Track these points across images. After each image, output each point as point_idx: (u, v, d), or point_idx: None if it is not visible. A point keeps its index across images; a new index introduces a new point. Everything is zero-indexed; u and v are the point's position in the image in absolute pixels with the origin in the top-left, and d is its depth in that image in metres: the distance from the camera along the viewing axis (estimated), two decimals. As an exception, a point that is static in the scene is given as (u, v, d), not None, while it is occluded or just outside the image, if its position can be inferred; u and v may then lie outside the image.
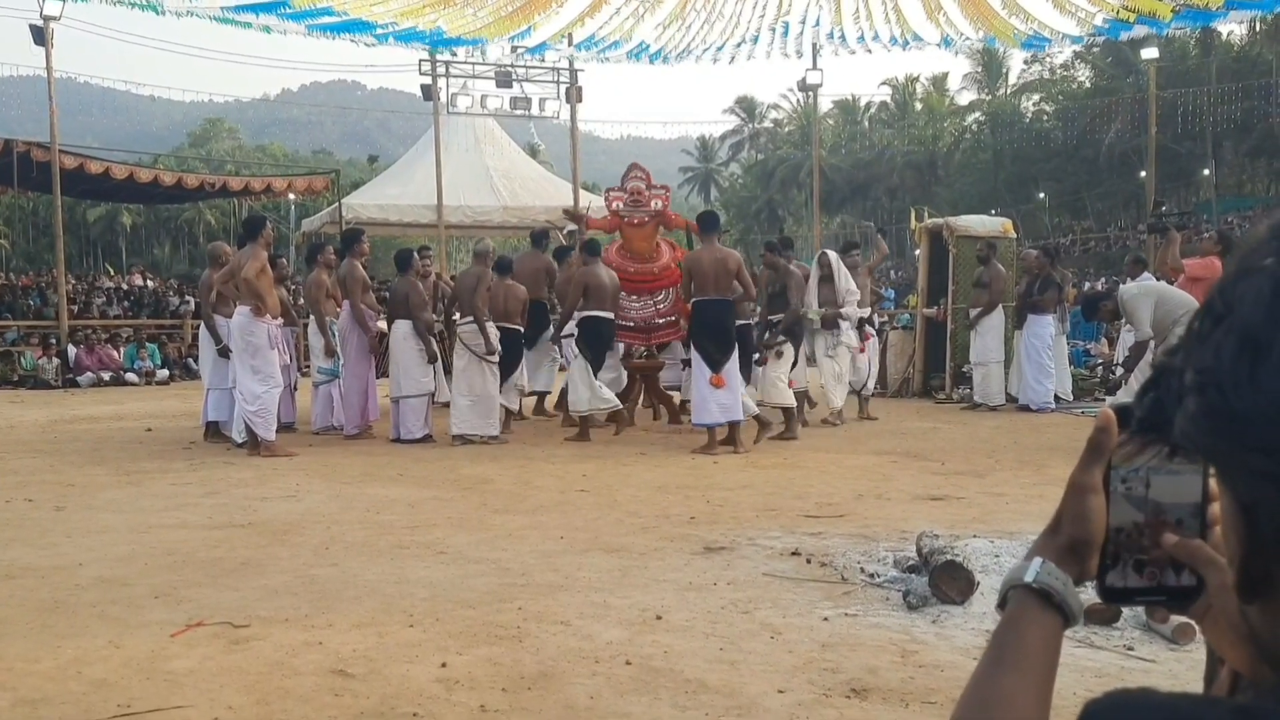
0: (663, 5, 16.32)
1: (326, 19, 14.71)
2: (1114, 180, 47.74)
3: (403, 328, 9.07)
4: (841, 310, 9.65)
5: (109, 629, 3.64)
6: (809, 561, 4.55)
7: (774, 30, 17.91)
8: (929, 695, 2.98)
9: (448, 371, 11.99)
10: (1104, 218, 50.60)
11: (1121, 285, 9.53)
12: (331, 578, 4.35)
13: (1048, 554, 0.79)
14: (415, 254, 9.84)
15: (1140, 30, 17.12)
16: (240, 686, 3.07)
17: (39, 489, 6.70)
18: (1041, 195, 52.08)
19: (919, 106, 63.06)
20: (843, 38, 18.19)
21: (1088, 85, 49.73)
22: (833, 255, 9.98)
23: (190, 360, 18.37)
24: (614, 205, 10.26)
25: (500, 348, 9.00)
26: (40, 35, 17.11)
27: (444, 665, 3.23)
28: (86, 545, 5.01)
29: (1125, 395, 7.38)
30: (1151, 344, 7.42)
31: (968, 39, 18.25)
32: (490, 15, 15.83)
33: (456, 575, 4.37)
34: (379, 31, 15.53)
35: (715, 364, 8.12)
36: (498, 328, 9.04)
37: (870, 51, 18.12)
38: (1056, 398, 11.30)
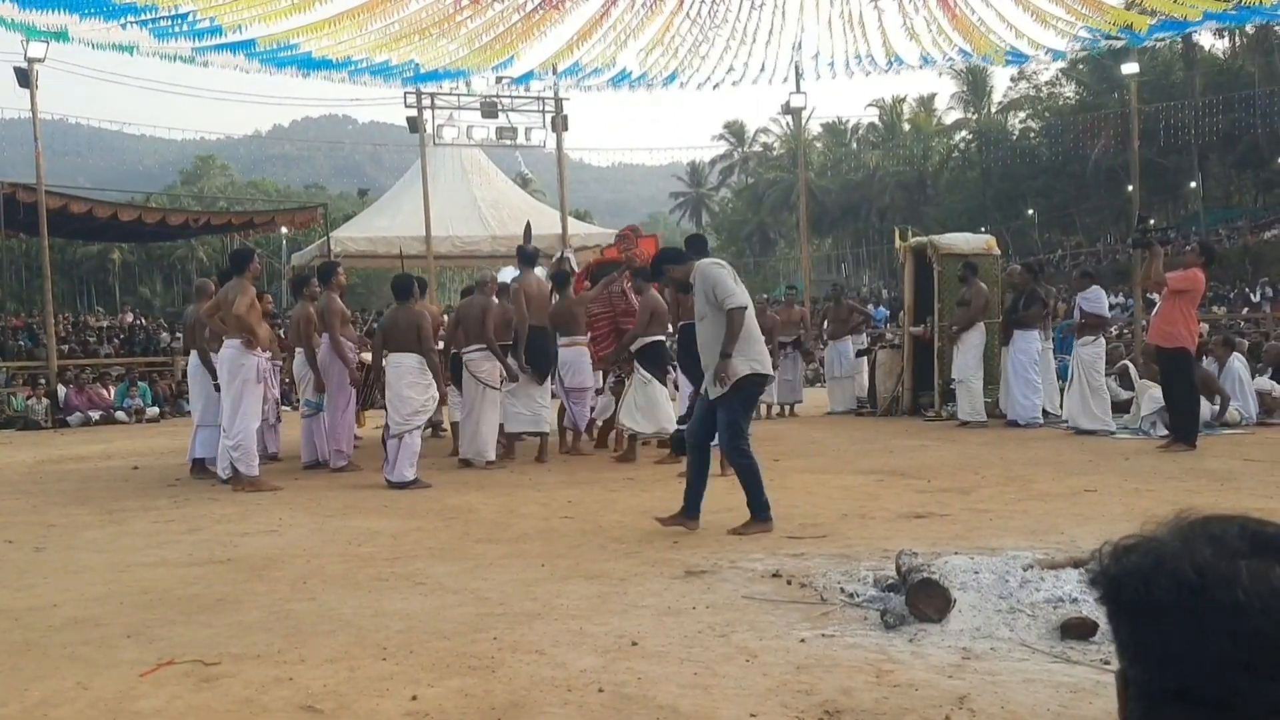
0: (645, 30, 16.39)
1: (289, 54, 14.63)
2: (1102, 195, 48.01)
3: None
4: None
5: (78, 670, 3.60)
6: (789, 583, 4.52)
7: (763, 61, 17.94)
8: (901, 715, 2.95)
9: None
10: (1093, 232, 50.85)
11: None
12: (307, 612, 4.31)
13: None
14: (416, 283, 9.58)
15: (1106, 41, 17.09)
16: (206, 725, 3.03)
17: (20, 530, 6.65)
18: (1030, 212, 52.36)
19: (906, 127, 63.43)
20: (830, 63, 18.22)
21: (1073, 101, 50.04)
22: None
23: (181, 400, 18.32)
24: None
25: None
26: (25, 77, 17.10)
27: (414, 698, 3.19)
28: (63, 586, 4.97)
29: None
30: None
31: (949, 58, 18.30)
32: (465, 46, 15.85)
33: (434, 606, 4.33)
34: (351, 69, 15.52)
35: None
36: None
37: (852, 75, 18.18)
38: (1045, 413, 11.30)
